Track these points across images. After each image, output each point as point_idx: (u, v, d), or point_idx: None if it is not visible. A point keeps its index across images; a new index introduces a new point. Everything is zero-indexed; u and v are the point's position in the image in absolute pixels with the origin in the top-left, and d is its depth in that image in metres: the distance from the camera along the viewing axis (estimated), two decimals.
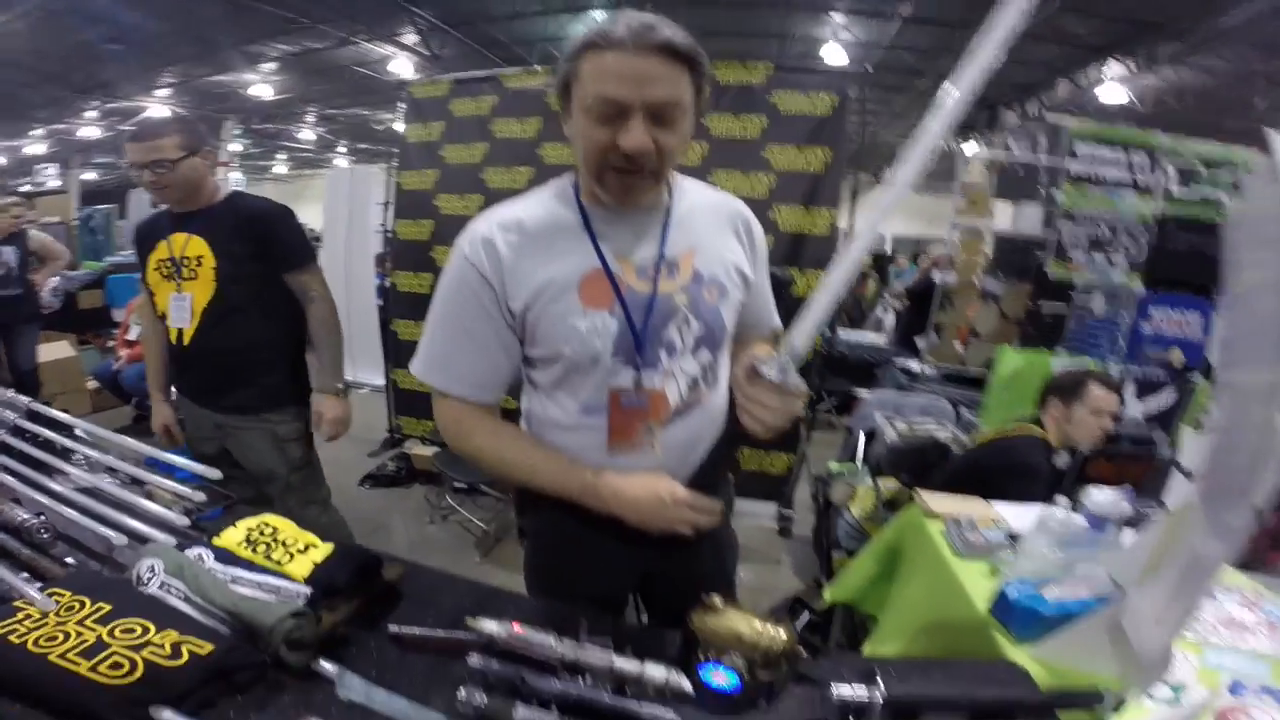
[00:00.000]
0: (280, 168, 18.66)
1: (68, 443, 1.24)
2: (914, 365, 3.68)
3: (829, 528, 2.35)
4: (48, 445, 1.23)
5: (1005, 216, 3.69)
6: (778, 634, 0.80)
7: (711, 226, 0.97)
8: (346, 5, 6.81)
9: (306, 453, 1.83)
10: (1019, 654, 1.03)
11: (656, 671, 0.76)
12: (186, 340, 1.68)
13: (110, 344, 4.91)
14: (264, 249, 1.65)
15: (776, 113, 2.74)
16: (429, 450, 3.21)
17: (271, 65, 9.15)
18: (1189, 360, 2.91)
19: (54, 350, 4.25)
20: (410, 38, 8.01)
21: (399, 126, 3.34)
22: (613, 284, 0.89)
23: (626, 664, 0.76)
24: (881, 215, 0.74)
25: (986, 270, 3.43)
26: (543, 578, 1.09)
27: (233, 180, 6.20)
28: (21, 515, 0.99)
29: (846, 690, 0.76)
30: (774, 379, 0.78)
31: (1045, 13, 5.31)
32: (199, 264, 1.63)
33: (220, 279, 1.63)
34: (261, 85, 9.94)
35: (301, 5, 6.72)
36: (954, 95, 0.75)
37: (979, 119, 8.90)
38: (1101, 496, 1.24)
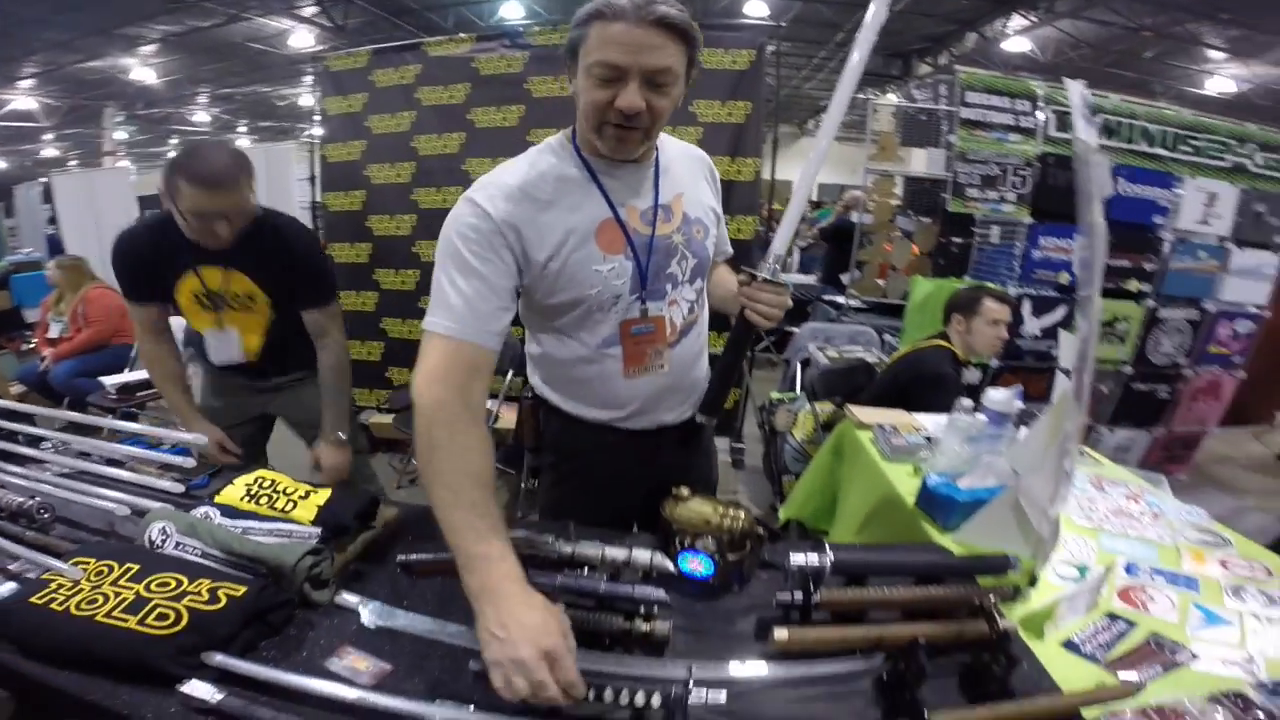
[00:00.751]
0: (174, 153, 17.20)
1: (33, 431, 1.22)
2: (840, 299, 4.00)
3: (776, 454, 2.56)
4: (11, 437, 1.22)
5: (914, 161, 3.94)
6: (739, 515, 0.95)
7: (689, 174, 1.11)
8: None
9: (363, 446, 1.83)
10: (944, 540, 1.16)
11: (642, 555, 0.88)
12: (253, 357, 1.60)
13: (27, 347, 4.61)
14: (302, 287, 1.54)
15: (701, 69, 2.82)
16: (387, 418, 3.22)
17: (151, 48, 8.40)
18: (1073, 280, 3.25)
19: None
20: (309, 9, 7.53)
21: (305, 101, 3.23)
22: (624, 231, 1.01)
23: (615, 551, 0.88)
24: (821, 152, 0.97)
25: (899, 210, 3.72)
26: (555, 510, 1.21)
27: (125, 175, 5.73)
28: (17, 499, 1.00)
29: (801, 558, 0.89)
30: (768, 277, 0.98)
31: None
32: (251, 301, 1.52)
33: (276, 308, 1.54)
34: (143, 69, 9.13)
35: None
36: (855, 56, 0.96)
37: (893, 69, 9.22)
38: (998, 395, 1.36)
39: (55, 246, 5.98)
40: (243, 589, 0.82)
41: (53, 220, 6.28)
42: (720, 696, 0.72)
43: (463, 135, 3.07)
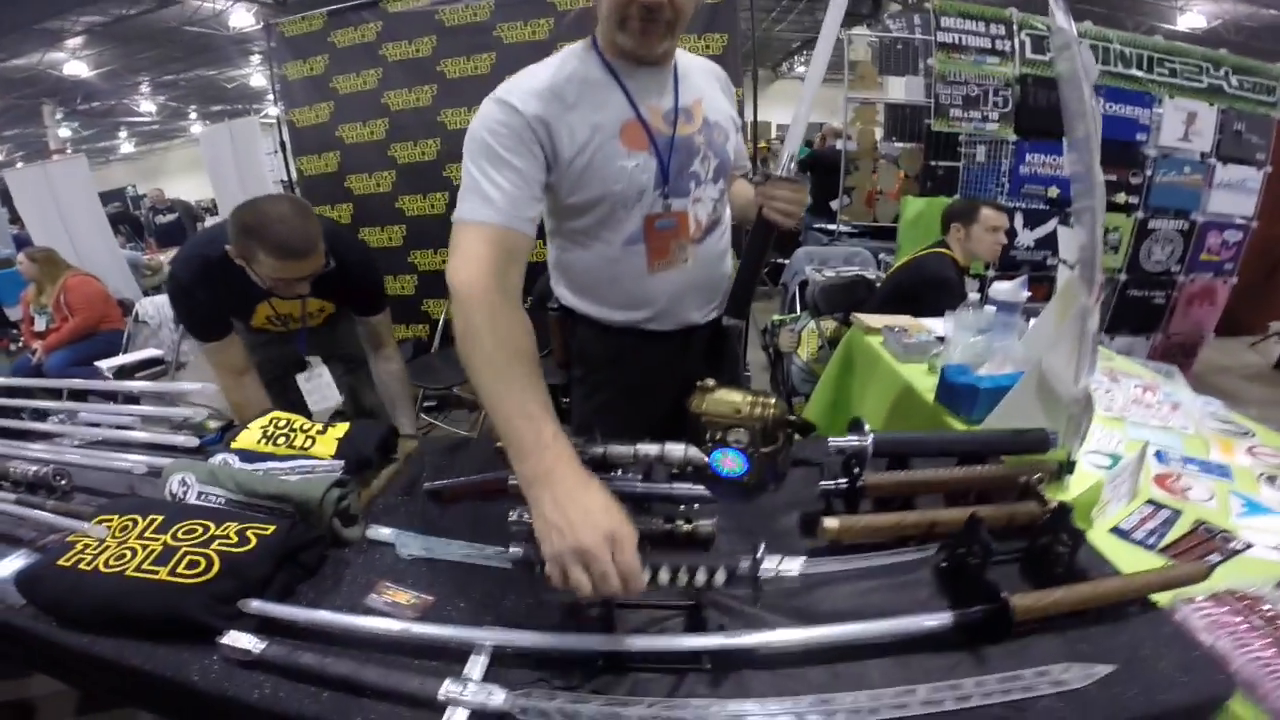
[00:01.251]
0: (126, 146, 16.57)
1: (38, 405, 1.19)
2: (831, 226, 4.05)
3: (784, 376, 2.57)
4: (14, 414, 1.19)
5: (893, 90, 3.91)
6: (769, 403, 0.92)
7: (706, 82, 1.13)
8: None
9: None
10: (971, 430, 1.15)
11: (675, 449, 0.83)
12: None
13: (14, 346, 4.52)
14: (357, 296, 1.51)
15: None
16: None
17: (78, 40, 7.97)
18: (1062, 193, 3.31)
19: None
20: None
21: (256, 81, 3.09)
22: (646, 129, 1.02)
23: (648, 448, 0.84)
24: (818, 69, 0.97)
25: (882, 138, 3.74)
26: (587, 424, 1.20)
27: (78, 164, 5.47)
28: (32, 469, 0.97)
29: (843, 441, 0.88)
30: (785, 175, 1.00)
31: None
32: (320, 313, 1.54)
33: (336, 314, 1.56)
34: (75, 63, 8.69)
35: None
36: None
37: (863, 8, 9.07)
38: (1004, 286, 1.40)
39: (22, 243, 5.76)
40: (271, 527, 0.80)
41: (14, 220, 6.06)
42: (794, 567, 0.70)
43: (434, 87, 2.97)
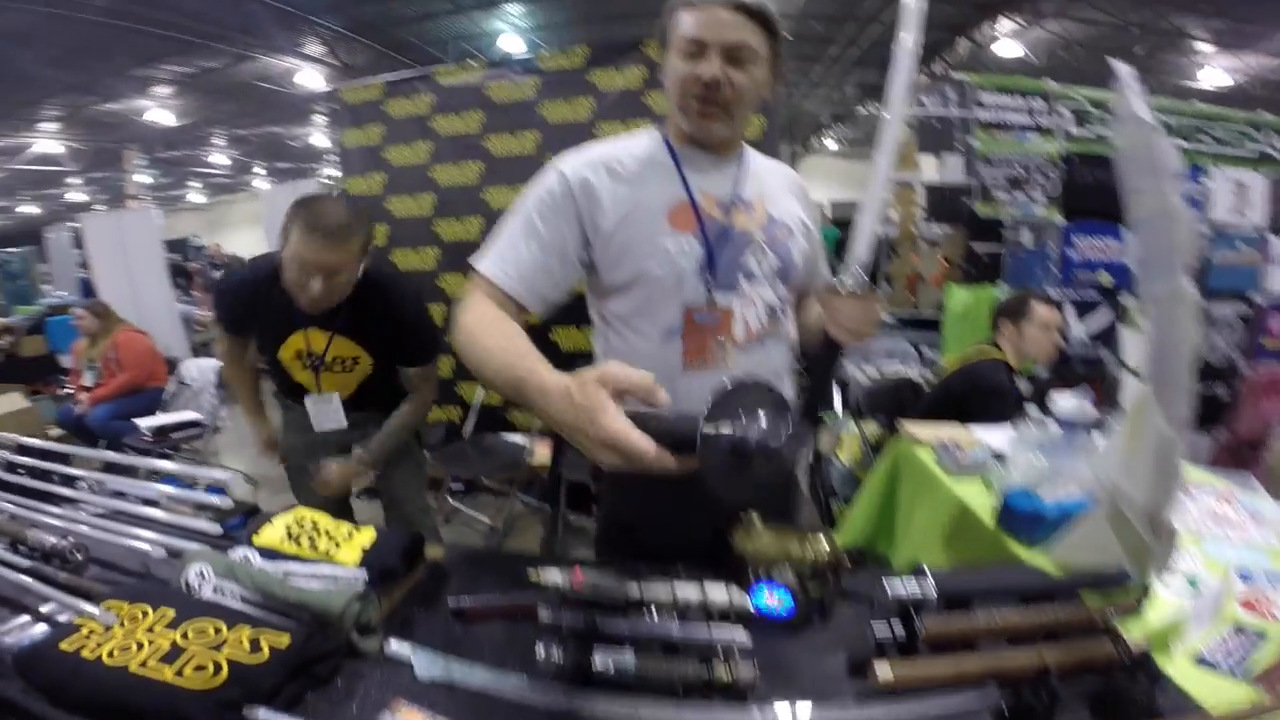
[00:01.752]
0: (196, 196, 17.63)
1: (68, 471, 1.20)
2: None
3: (822, 478, 2.46)
4: (46, 477, 1.19)
5: (930, 169, 3.89)
6: (820, 544, 0.87)
7: (776, 183, 1.11)
8: (238, 20, 6.46)
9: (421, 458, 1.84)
10: (1034, 558, 1.10)
11: (717, 593, 0.79)
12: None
13: (62, 391, 4.63)
14: (405, 348, 1.56)
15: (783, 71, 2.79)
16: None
17: (166, 89, 8.62)
18: (1116, 280, 3.17)
19: (6, 403, 3.97)
20: (315, 48, 7.71)
21: (316, 141, 3.25)
22: (696, 212, 1.00)
23: (688, 590, 0.80)
24: (889, 147, 0.95)
25: (922, 220, 3.66)
26: (616, 541, 1.15)
27: (152, 217, 5.80)
28: (50, 539, 0.96)
29: (900, 587, 0.81)
30: (852, 287, 0.94)
31: None
32: (355, 363, 1.54)
33: (376, 368, 1.58)
34: (159, 110, 9.35)
35: (187, 24, 6.35)
36: (905, 47, 0.96)
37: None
38: (1067, 402, 1.32)
39: (87, 289, 6.07)
40: (286, 638, 0.76)
41: (84, 264, 6.36)
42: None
43: (481, 165, 3.05)
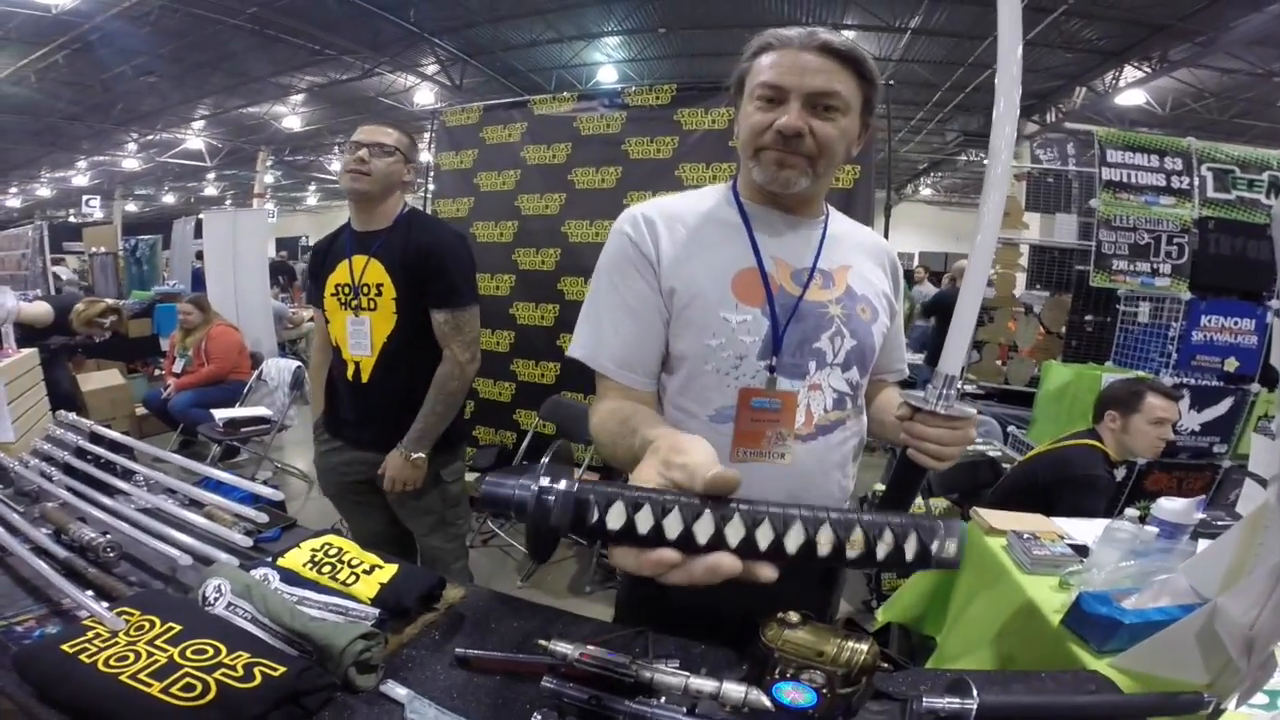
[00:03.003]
0: (311, 199, 19.13)
1: (129, 464, 1.26)
2: None
3: None
4: (110, 467, 1.25)
5: (1038, 228, 3.63)
6: (859, 648, 0.77)
7: (863, 252, 0.98)
8: (369, 36, 7.02)
9: (462, 489, 1.78)
10: (1098, 664, 1.01)
11: (734, 691, 0.72)
12: (365, 375, 1.58)
13: (158, 372, 5.08)
14: (428, 283, 1.54)
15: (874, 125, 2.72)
16: (471, 476, 3.22)
17: (299, 97, 9.47)
18: (1244, 368, 2.80)
19: (104, 378, 4.39)
20: (432, 68, 8.24)
21: (424, 157, 3.38)
22: (765, 283, 0.88)
23: (703, 683, 0.73)
24: (990, 232, 0.78)
25: (1025, 286, 3.38)
26: (638, 605, 1.04)
27: (264, 214, 6.30)
28: (89, 534, 1.01)
29: (938, 701, 0.72)
30: (936, 409, 0.77)
31: (1053, 19, 5.30)
32: (379, 292, 1.54)
33: (400, 310, 1.54)
34: (291, 117, 10.27)
35: (327, 37, 6.95)
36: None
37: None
38: (1173, 505, 1.21)
39: (198, 280, 6.63)
40: (281, 669, 0.75)
41: (199, 255, 6.92)
42: None
43: (563, 196, 3.09)
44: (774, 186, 0.87)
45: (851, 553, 0.44)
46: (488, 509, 0.55)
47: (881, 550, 0.44)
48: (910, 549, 0.44)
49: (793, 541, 0.44)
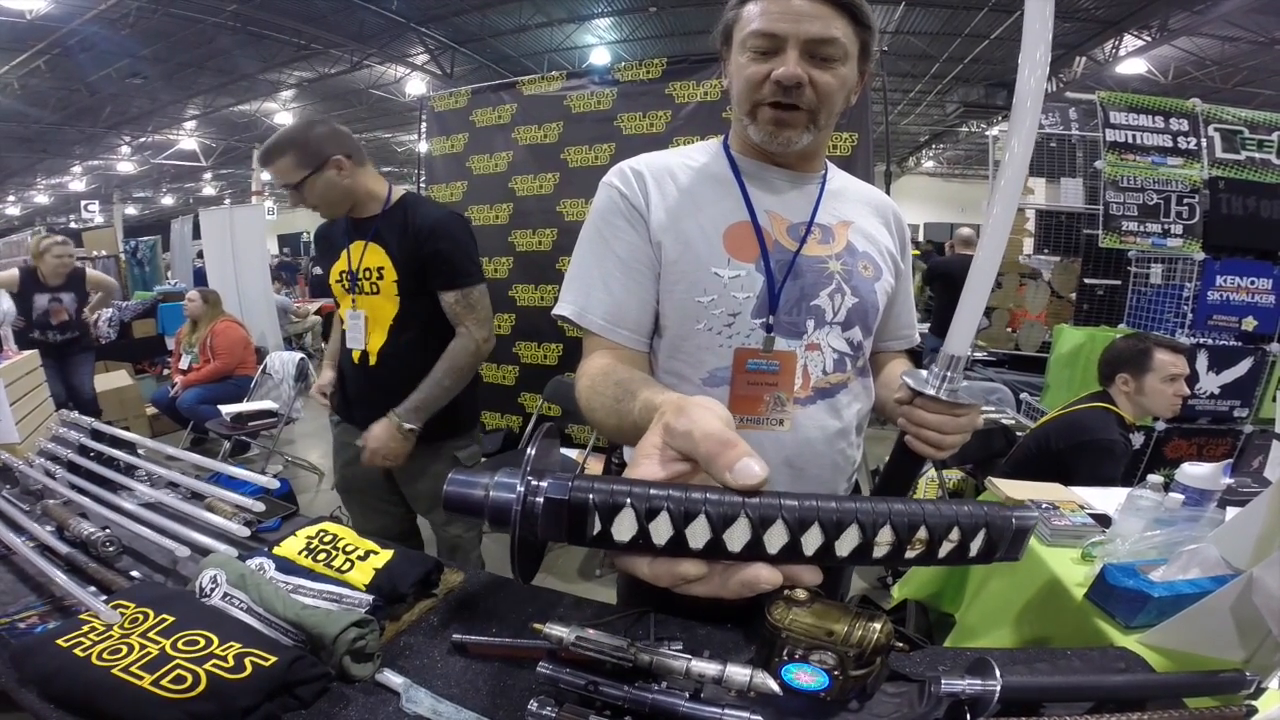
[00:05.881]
0: None
1: (132, 460, 1.26)
2: None
3: None
4: (112, 463, 1.25)
5: (1039, 194, 3.57)
6: (872, 627, 0.73)
7: (864, 208, 0.93)
8: (355, 28, 6.95)
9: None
10: (1126, 640, 0.96)
11: (738, 674, 0.69)
12: (372, 360, 1.55)
13: (165, 371, 5.10)
14: (431, 265, 1.50)
15: (874, 71, 2.70)
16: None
17: (290, 93, 9.40)
18: (1262, 326, 2.73)
19: (112, 379, 4.42)
20: (421, 57, 8.16)
21: (421, 147, 3.34)
22: (759, 236, 0.83)
23: (706, 666, 0.70)
24: (1007, 209, 0.68)
25: (1032, 250, 3.33)
26: (638, 585, 1.01)
27: (261, 211, 6.27)
28: (89, 529, 1.01)
29: (958, 682, 0.69)
30: (937, 394, 0.71)
31: None
32: (380, 276, 1.50)
33: (403, 293, 1.50)
34: (283, 113, 10.20)
35: (311, 31, 6.89)
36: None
37: (998, 99, 8.71)
38: (1198, 470, 1.15)
39: (200, 278, 6.65)
40: (272, 659, 0.74)
41: (200, 254, 6.96)
42: None
43: (556, 176, 3.08)
44: (773, 147, 0.83)
45: (910, 554, 0.36)
46: (458, 514, 0.42)
47: (944, 550, 0.36)
48: (975, 546, 0.36)
49: (845, 545, 0.35)
